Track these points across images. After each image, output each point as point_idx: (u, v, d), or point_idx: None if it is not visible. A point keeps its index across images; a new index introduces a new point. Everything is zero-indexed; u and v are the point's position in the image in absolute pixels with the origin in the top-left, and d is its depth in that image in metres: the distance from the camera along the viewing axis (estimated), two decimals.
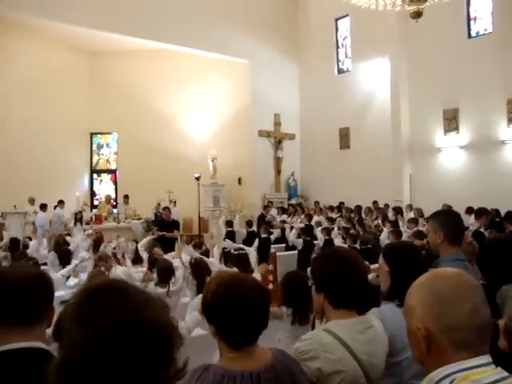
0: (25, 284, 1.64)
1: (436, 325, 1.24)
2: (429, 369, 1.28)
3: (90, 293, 1.07)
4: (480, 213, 8.63)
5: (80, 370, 0.96)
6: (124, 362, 0.97)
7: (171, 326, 1.08)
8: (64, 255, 6.98)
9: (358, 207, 13.68)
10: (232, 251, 6.32)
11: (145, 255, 6.96)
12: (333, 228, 11.02)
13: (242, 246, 7.12)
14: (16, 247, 7.93)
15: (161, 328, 1.04)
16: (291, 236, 10.54)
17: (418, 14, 10.49)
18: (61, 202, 13.91)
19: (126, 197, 15.20)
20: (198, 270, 5.58)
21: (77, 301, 1.06)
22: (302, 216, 13.77)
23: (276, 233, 11.62)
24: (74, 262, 6.55)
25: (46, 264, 7.00)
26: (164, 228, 11.73)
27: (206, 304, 1.84)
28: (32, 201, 13.94)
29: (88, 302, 1.04)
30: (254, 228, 11.88)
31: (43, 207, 13.40)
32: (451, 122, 14.17)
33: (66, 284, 5.81)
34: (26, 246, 8.53)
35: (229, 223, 11.79)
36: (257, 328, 1.79)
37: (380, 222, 11.28)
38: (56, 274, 6.49)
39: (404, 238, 8.28)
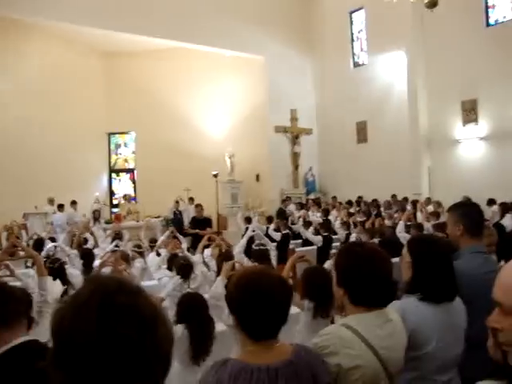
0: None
1: None
2: None
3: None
4: None
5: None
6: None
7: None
8: (85, 254, 7.04)
9: (375, 201, 13.58)
10: (253, 246, 6.27)
11: (163, 252, 6.96)
12: (352, 223, 10.87)
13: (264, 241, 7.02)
14: (39, 248, 8.01)
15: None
16: (308, 234, 10.16)
17: (433, 4, 10.36)
18: (73, 203, 14.14)
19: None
20: (225, 259, 5.53)
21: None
22: (315, 210, 13.66)
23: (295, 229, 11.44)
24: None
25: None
26: (196, 225, 11.74)
27: (229, 294, 1.90)
28: (51, 201, 14.18)
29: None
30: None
31: (60, 207, 13.62)
32: (470, 113, 13.95)
33: None
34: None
35: (247, 219, 11.67)
36: (277, 321, 1.80)
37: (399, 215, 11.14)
38: (77, 272, 6.59)
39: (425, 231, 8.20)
